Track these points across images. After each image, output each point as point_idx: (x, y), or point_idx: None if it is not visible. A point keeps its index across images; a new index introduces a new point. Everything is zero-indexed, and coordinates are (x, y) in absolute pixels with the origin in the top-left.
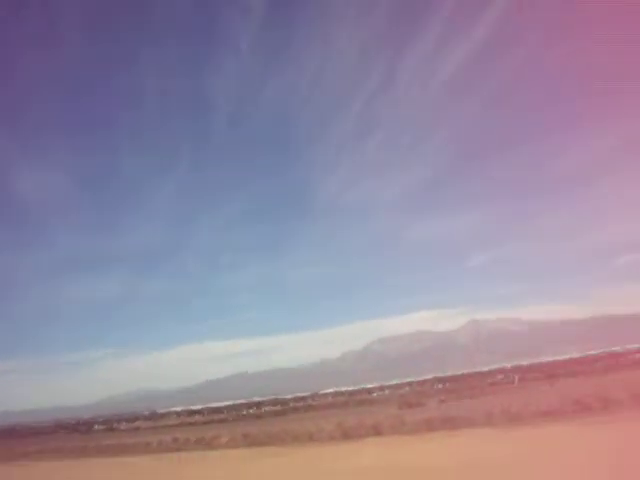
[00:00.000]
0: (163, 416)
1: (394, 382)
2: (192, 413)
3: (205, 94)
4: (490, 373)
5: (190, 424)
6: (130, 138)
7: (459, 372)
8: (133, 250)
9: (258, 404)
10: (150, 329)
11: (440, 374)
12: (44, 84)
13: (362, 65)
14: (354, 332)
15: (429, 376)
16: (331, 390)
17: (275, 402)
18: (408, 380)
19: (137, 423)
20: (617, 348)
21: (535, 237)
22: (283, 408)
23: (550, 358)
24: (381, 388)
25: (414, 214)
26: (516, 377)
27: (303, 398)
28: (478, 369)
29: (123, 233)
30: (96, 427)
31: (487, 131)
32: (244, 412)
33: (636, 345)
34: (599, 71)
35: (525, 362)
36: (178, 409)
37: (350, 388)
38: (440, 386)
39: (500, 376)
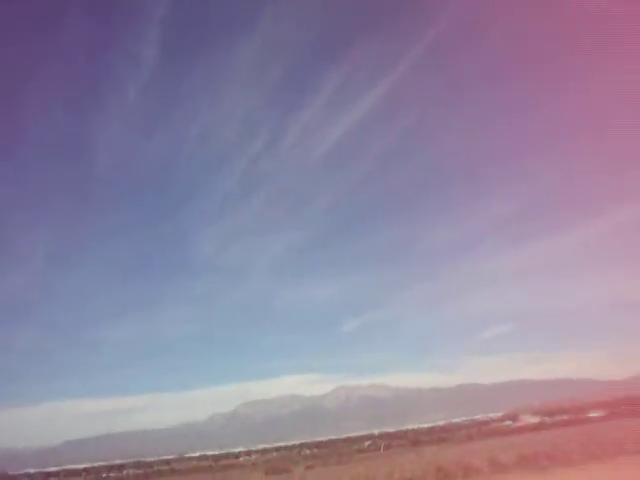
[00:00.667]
0: (15, 478)
1: (261, 447)
2: (47, 475)
3: (87, 140)
4: (358, 439)
5: None
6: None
7: (327, 438)
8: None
9: (120, 467)
10: (10, 383)
11: (308, 439)
12: None
13: (250, 124)
14: (222, 394)
15: (297, 441)
16: (197, 454)
17: (138, 465)
18: (275, 445)
19: None
20: (479, 416)
21: (408, 305)
22: (146, 471)
23: (416, 425)
24: (248, 453)
25: (290, 276)
26: (382, 444)
27: (167, 461)
28: (346, 435)
29: None
30: None
31: (367, 198)
32: (104, 475)
33: (498, 413)
34: (473, 149)
35: (392, 429)
36: (32, 470)
37: (216, 452)
38: (308, 452)
39: (367, 442)
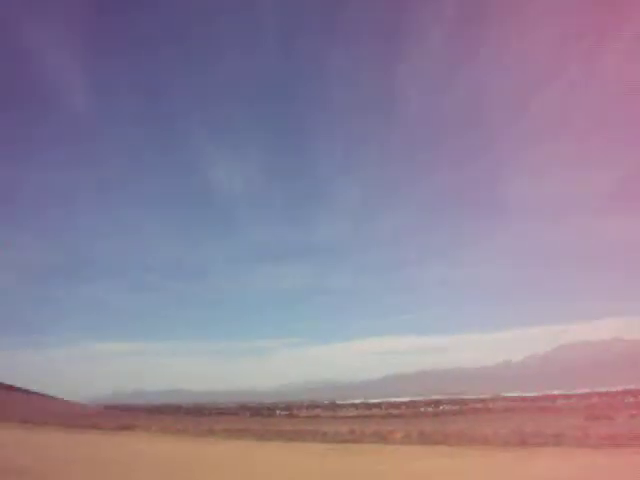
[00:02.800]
0: (342, 407)
1: (580, 391)
2: (370, 407)
3: (395, 89)
4: None
5: (367, 417)
6: (322, 138)
7: None
8: (320, 244)
9: (436, 402)
10: (334, 321)
11: (632, 386)
12: (242, 79)
13: (558, 55)
14: (540, 335)
15: (619, 388)
16: (512, 394)
17: (453, 402)
18: (596, 390)
19: (316, 411)
20: None
21: None
22: (461, 408)
23: None
24: (566, 396)
25: (609, 211)
26: None
27: (482, 400)
28: None
29: (310, 227)
30: (278, 412)
31: None
32: (421, 409)
33: None
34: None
35: None
36: (356, 401)
37: (532, 394)
38: (631, 399)
39: None
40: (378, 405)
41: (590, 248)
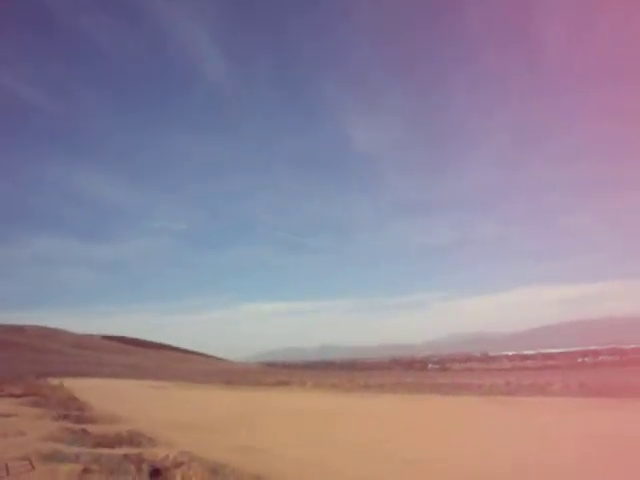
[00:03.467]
0: (495, 359)
1: None
2: (524, 358)
3: (537, 28)
4: None
5: (522, 369)
6: (463, 84)
7: None
8: (465, 193)
9: (594, 353)
10: (484, 272)
11: None
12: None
13: None
14: None
15: None
16: None
17: (613, 352)
18: None
19: (469, 364)
20: None
21: None
22: (621, 359)
23: None
24: None
25: None
26: None
27: None
28: None
29: (453, 177)
30: (430, 366)
31: None
32: (579, 360)
33: None
34: None
35: None
36: (510, 353)
37: None
38: None
39: None
40: (533, 357)
41: None
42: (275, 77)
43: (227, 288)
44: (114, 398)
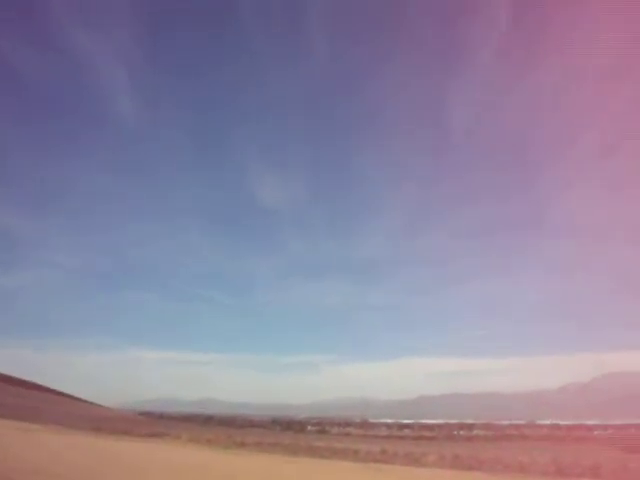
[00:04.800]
0: (374, 426)
1: (619, 422)
2: (402, 427)
3: (444, 107)
4: None
5: (399, 438)
6: (370, 149)
7: None
8: (363, 258)
9: (470, 426)
10: (371, 339)
11: None
12: (289, 96)
13: (611, 80)
14: (578, 364)
15: None
16: (548, 422)
17: (488, 427)
18: (635, 422)
19: (348, 429)
20: None
21: None
22: (495, 434)
23: None
24: (604, 427)
25: None
26: None
27: (518, 426)
28: None
29: (352, 243)
30: (309, 428)
31: None
32: (455, 432)
33: None
34: None
35: None
36: (389, 421)
37: (569, 422)
38: None
39: None
40: (410, 426)
41: (631, 276)
42: (187, 126)
43: (112, 331)
44: None
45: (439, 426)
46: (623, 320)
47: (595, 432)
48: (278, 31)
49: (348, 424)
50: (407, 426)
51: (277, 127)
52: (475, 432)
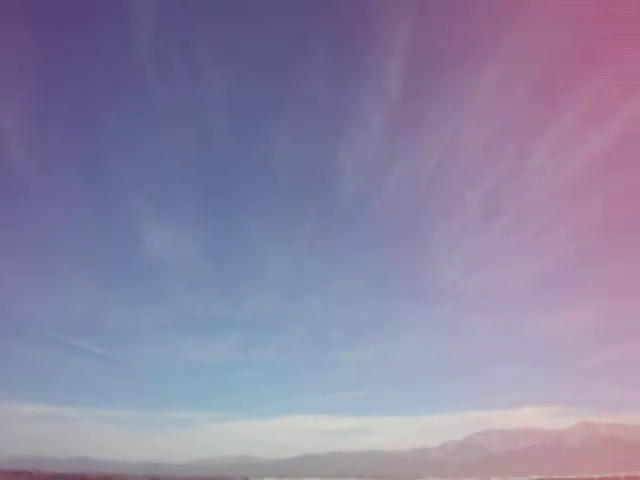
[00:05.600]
0: None
1: (496, 479)
2: None
3: (334, 172)
4: None
5: None
6: (257, 206)
7: (566, 476)
8: (245, 318)
9: None
10: (252, 398)
11: (547, 475)
12: (186, 155)
13: (493, 148)
14: (457, 421)
15: (534, 476)
16: (429, 479)
17: None
18: (511, 479)
19: None
20: None
21: None
22: None
23: None
24: None
25: (531, 304)
26: None
27: None
28: (589, 475)
29: (238, 300)
30: None
31: (610, 229)
32: None
33: None
34: None
35: None
36: (271, 479)
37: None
38: None
39: None
40: None
41: (510, 337)
42: (77, 170)
43: None
44: None
45: None
46: (500, 381)
47: None
48: (177, 85)
49: None
50: None
51: (171, 184)
52: None
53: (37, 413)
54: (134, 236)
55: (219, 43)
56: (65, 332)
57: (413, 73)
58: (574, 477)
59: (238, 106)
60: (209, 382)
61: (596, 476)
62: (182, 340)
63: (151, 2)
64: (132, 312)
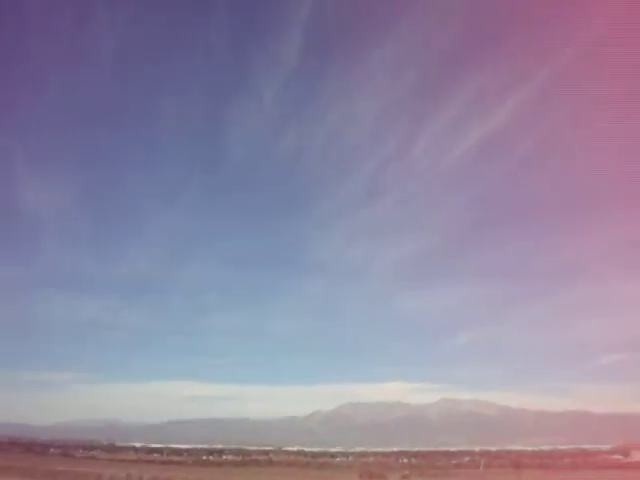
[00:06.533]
0: (121, 449)
1: (359, 449)
2: (151, 451)
3: (222, 136)
4: (457, 454)
5: (147, 462)
6: (141, 168)
7: (426, 448)
8: (120, 277)
9: (220, 451)
10: (122, 361)
11: (407, 448)
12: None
13: (380, 128)
14: (326, 392)
15: (395, 448)
16: (295, 448)
17: (237, 452)
18: (374, 450)
19: (93, 453)
20: (588, 446)
21: (523, 323)
22: (244, 459)
23: (519, 447)
24: (345, 454)
25: (408, 283)
26: (482, 462)
27: (266, 452)
28: (445, 448)
29: (113, 258)
30: (51, 450)
31: (492, 210)
32: (204, 458)
33: (607, 445)
34: (607, 170)
35: (494, 448)
36: (137, 445)
37: (314, 449)
38: (405, 460)
39: (467, 458)
40: (160, 450)
41: (384, 313)
42: None
43: None
44: None
45: (189, 451)
46: (369, 355)
47: (338, 458)
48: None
49: (94, 447)
50: (156, 450)
51: (48, 134)
52: (224, 457)
53: None
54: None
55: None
56: None
57: (310, 48)
58: (433, 450)
59: (127, 65)
60: (75, 342)
61: (453, 449)
62: (51, 298)
63: None
64: (5, 267)
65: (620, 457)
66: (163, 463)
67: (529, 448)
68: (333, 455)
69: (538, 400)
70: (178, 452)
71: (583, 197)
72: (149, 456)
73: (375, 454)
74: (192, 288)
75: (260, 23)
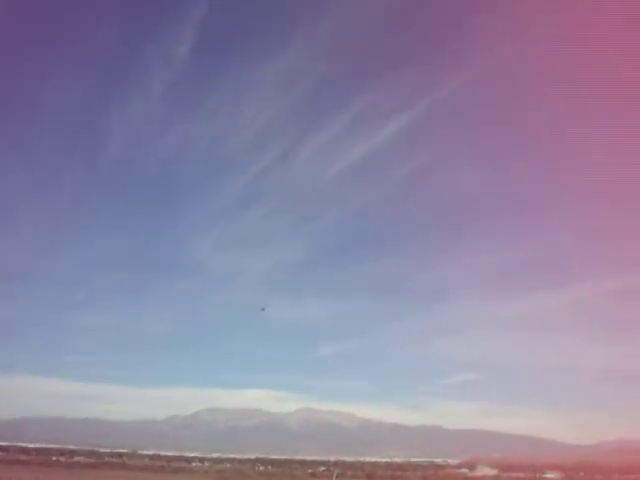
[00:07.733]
0: None
1: (216, 455)
2: None
3: (103, 128)
4: (313, 463)
5: None
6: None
7: (283, 457)
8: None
9: (72, 452)
10: None
11: (264, 455)
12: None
13: (267, 135)
14: (185, 397)
15: (252, 455)
16: (150, 452)
17: (90, 454)
18: (230, 456)
19: None
20: (439, 460)
21: (387, 338)
22: (96, 461)
23: (374, 459)
24: (201, 459)
25: (278, 292)
26: (336, 472)
27: (120, 455)
28: (302, 457)
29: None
30: None
31: (370, 226)
32: (54, 458)
33: (455, 460)
34: (483, 194)
35: (349, 458)
36: None
37: (170, 453)
38: (261, 467)
39: (322, 468)
40: (5, 449)
41: (250, 320)
42: None
43: None
44: None
45: (37, 450)
46: (230, 361)
47: (193, 464)
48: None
49: None
50: (2, 449)
51: None
52: (76, 459)
53: None
54: None
55: None
56: None
57: (204, 49)
58: (289, 458)
59: (9, 50)
60: None
61: (309, 458)
62: None
63: None
64: None
65: (466, 471)
66: (9, 463)
67: (383, 460)
68: (189, 460)
69: (396, 413)
70: (26, 451)
71: (450, 222)
72: None
73: (231, 460)
74: (60, 283)
75: (154, 16)
